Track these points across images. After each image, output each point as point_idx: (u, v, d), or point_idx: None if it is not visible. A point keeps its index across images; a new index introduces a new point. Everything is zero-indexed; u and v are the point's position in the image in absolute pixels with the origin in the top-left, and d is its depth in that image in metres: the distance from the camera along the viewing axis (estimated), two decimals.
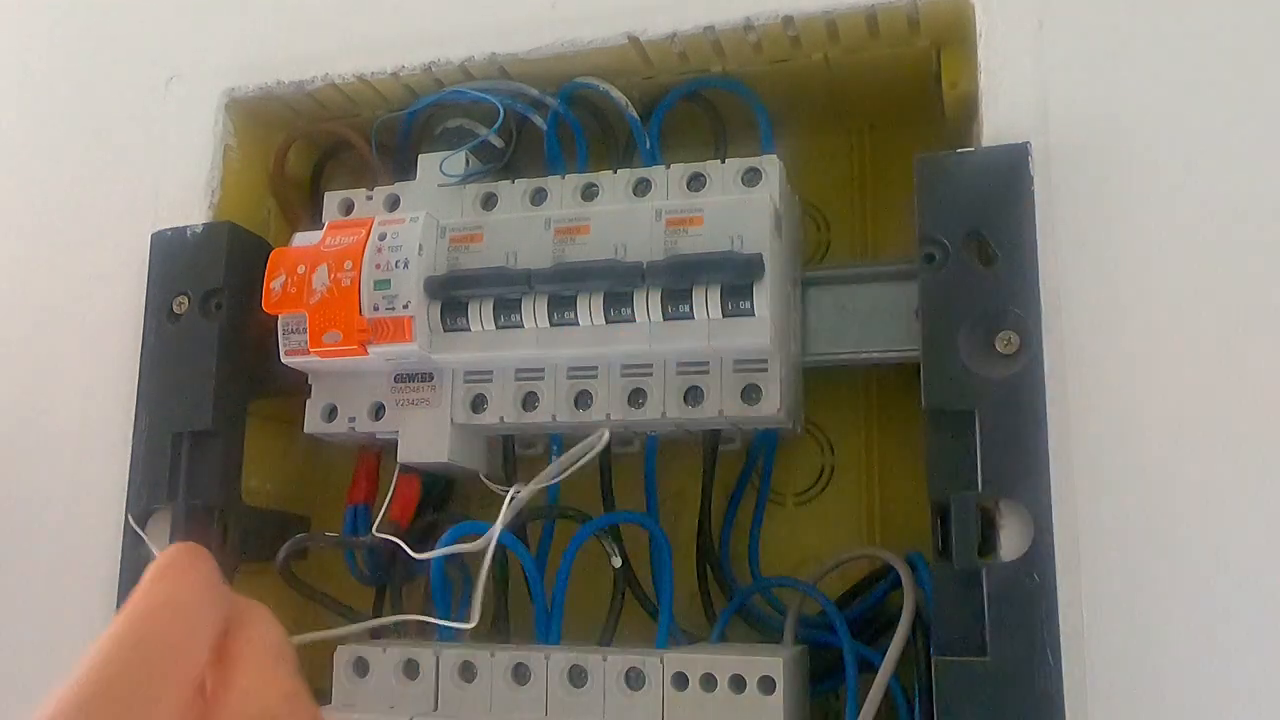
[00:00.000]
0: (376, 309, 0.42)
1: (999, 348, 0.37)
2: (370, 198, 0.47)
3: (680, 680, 0.39)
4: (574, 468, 0.43)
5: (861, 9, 0.42)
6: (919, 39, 0.45)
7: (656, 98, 0.47)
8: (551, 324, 0.41)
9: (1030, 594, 0.35)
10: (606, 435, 0.42)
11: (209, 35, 0.52)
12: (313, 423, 0.46)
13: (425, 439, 0.44)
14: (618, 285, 0.40)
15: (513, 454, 0.47)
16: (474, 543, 0.41)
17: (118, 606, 0.37)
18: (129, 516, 0.45)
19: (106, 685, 0.23)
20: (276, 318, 0.43)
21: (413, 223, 0.42)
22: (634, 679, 0.39)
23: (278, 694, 0.25)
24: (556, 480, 0.43)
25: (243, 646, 0.26)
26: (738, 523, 0.47)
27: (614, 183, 0.44)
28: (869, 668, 0.40)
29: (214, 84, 0.50)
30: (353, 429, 0.45)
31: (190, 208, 0.49)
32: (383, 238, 0.42)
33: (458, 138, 0.47)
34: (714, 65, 0.47)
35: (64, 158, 0.54)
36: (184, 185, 0.49)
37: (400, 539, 0.43)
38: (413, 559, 0.42)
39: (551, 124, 0.47)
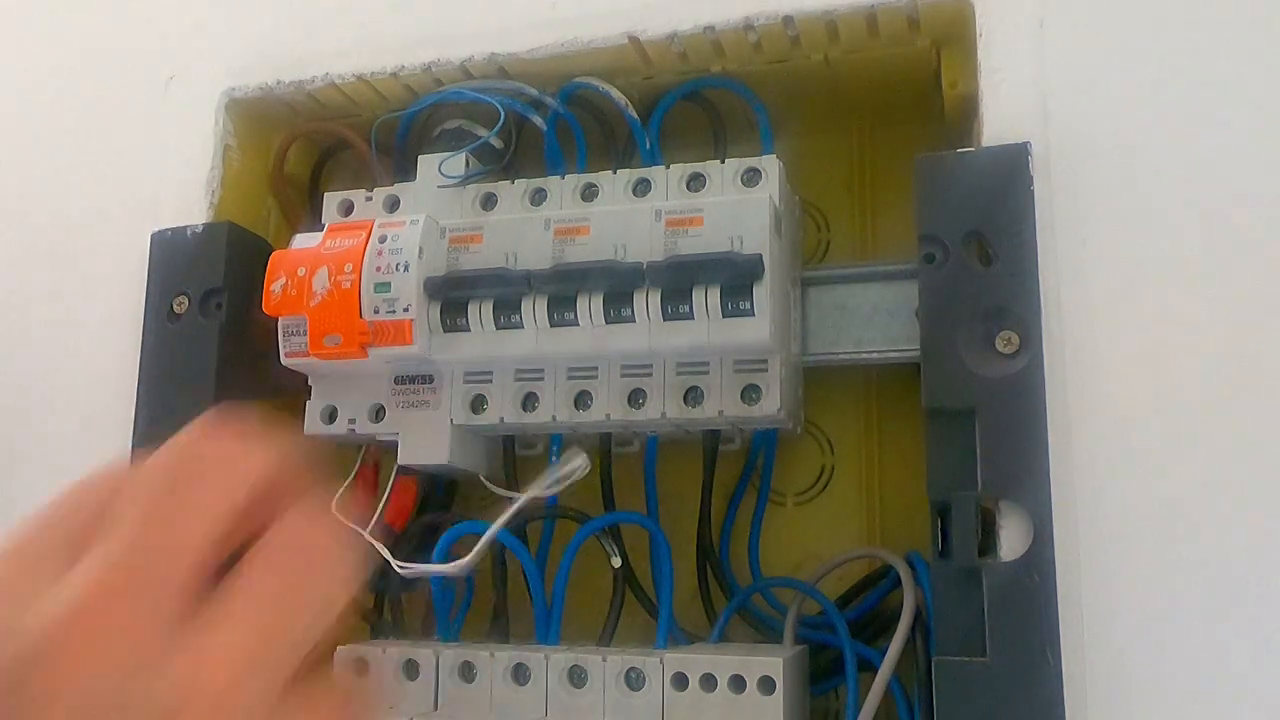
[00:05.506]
0: (377, 312, 0.42)
1: (999, 347, 0.37)
2: (370, 199, 0.47)
3: (680, 680, 0.39)
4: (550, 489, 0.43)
5: (861, 9, 0.42)
6: (919, 39, 0.45)
7: (656, 98, 0.47)
8: (551, 324, 0.41)
9: (1030, 594, 0.35)
10: (586, 467, 0.42)
11: (209, 35, 0.52)
12: (312, 424, 0.46)
13: (425, 441, 0.44)
14: (617, 285, 0.40)
15: (513, 455, 0.47)
16: (455, 564, 0.41)
17: None
18: None
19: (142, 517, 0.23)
20: (276, 319, 0.43)
21: (413, 225, 0.42)
22: (634, 679, 0.39)
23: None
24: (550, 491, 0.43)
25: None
26: (738, 523, 0.47)
27: (614, 183, 0.44)
28: (869, 668, 0.40)
29: (214, 84, 0.50)
30: (353, 431, 0.45)
31: (190, 208, 0.49)
32: (383, 240, 0.42)
33: (457, 139, 0.47)
34: (714, 65, 0.47)
35: (64, 158, 0.54)
36: (184, 185, 0.49)
37: (398, 541, 0.43)
38: (401, 571, 0.42)
39: (551, 124, 0.47)
